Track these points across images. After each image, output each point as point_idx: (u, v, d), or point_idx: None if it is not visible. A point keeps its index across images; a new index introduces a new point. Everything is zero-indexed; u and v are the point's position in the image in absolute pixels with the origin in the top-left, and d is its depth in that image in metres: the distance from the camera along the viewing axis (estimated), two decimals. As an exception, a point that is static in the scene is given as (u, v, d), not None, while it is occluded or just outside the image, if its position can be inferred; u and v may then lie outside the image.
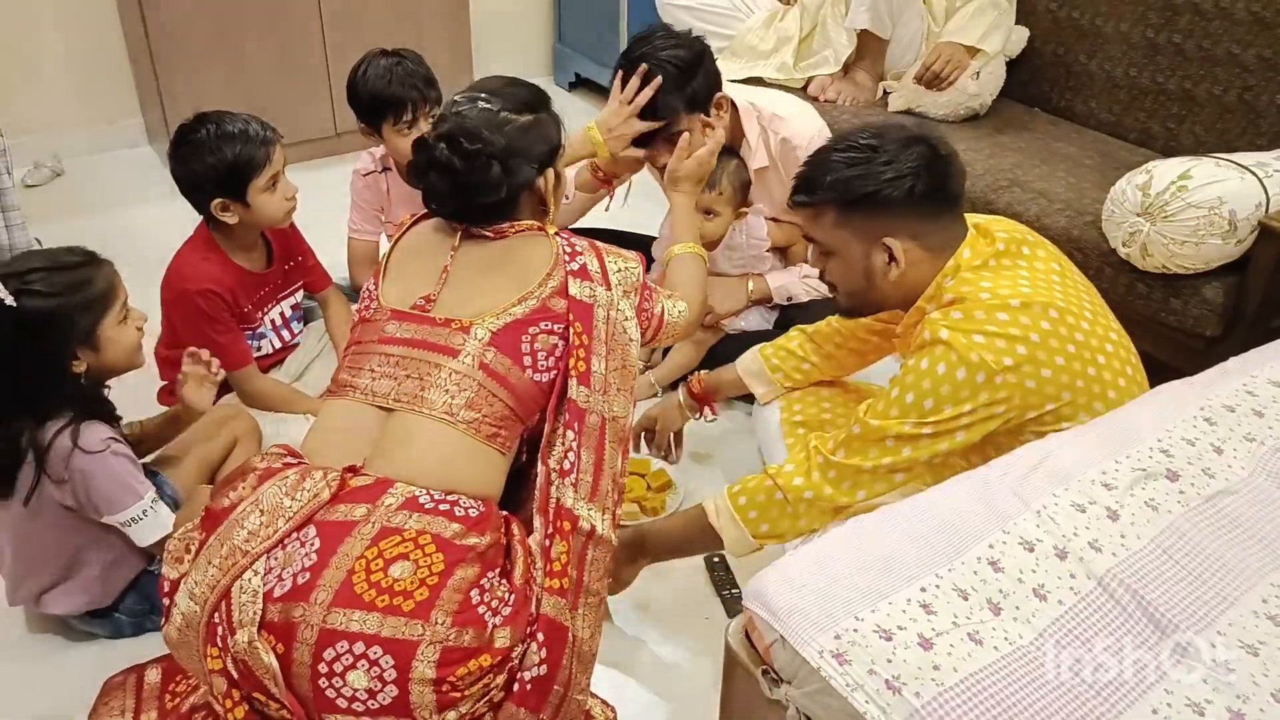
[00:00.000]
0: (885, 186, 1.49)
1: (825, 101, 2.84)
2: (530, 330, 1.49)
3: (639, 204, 2.68)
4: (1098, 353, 1.52)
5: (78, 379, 1.61)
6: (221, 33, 3.29)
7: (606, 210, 2.36)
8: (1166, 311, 2.03)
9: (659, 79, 2.01)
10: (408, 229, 1.64)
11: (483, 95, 1.54)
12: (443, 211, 1.58)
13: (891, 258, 1.54)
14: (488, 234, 1.56)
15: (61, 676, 1.72)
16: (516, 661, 1.33)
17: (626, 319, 1.57)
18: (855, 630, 1.09)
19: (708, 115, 2.10)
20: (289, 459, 1.45)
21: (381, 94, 2.26)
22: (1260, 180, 1.93)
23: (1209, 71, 2.46)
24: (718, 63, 2.85)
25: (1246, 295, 2.00)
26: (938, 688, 1.04)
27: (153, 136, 3.67)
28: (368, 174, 2.45)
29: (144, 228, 3.19)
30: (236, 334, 2.15)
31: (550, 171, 1.58)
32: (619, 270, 1.59)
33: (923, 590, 1.15)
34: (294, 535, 1.33)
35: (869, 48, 2.85)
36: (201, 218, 2.15)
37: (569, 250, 1.55)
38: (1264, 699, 1.04)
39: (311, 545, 1.32)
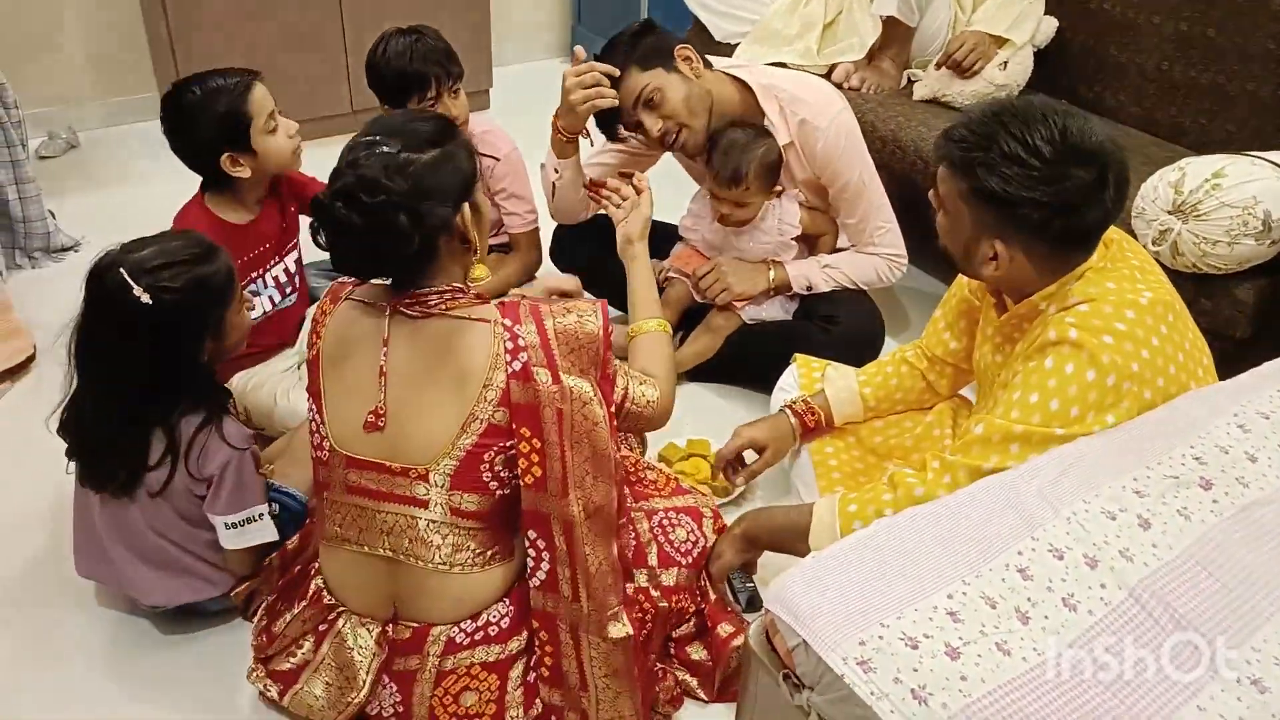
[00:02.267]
0: (1021, 203, 1.39)
1: (849, 89, 2.80)
2: (485, 457, 1.41)
3: (659, 191, 2.66)
4: (1198, 363, 1.50)
5: (207, 370, 1.63)
6: (239, 6, 3.26)
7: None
8: (1196, 312, 1.96)
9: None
10: (326, 315, 1.50)
11: (379, 137, 1.36)
12: (353, 272, 1.45)
13: (995, 256, 1.47)
14: (414, 313, 1.41)
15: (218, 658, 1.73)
16: None
17: (586, 402, 1.40)
18: (881, 637, 1.07)
19: (669, 69, 2.12)
20: (328, 611, 1.55)
21: (404, 72, 2.23)
22: (1296, 180, 1.89)
23: (1243, 66, 2.41)
24: (740, 48, 2.87)
25: (1279, 297, 1.96)
26: (965, 699, 1.01)
27: (168, 110, 3.64)
28: None
29: (158, 201, 3.11)
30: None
31: (467, 206, 1.40)
32: (573, 345, 1.42)
33: (950, 598, 1.12)
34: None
35: (895, 35, 2.81)
36: (198, 192, 2.10)
37: (510, 346, 1.39)
38: (1301, 718, 1.02)
39: (392, 690, 1.50)
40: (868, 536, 1.23)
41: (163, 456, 1.59)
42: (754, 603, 1.79)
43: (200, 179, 2.10)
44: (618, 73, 2.11)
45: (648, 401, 1.58)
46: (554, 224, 2.56)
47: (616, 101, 2.12)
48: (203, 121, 1.96)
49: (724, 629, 1.65)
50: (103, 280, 1.52)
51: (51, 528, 1.94)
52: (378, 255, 1.38)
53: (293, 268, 2.23)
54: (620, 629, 1.44)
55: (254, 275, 2.12)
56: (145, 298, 1.48)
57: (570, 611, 1.44)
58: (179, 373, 1.57)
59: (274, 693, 1.57)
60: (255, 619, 1.67)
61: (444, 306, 1.41)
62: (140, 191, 3.25)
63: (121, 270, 1.49)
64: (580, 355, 1.43)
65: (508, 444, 1.40)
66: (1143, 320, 1.43)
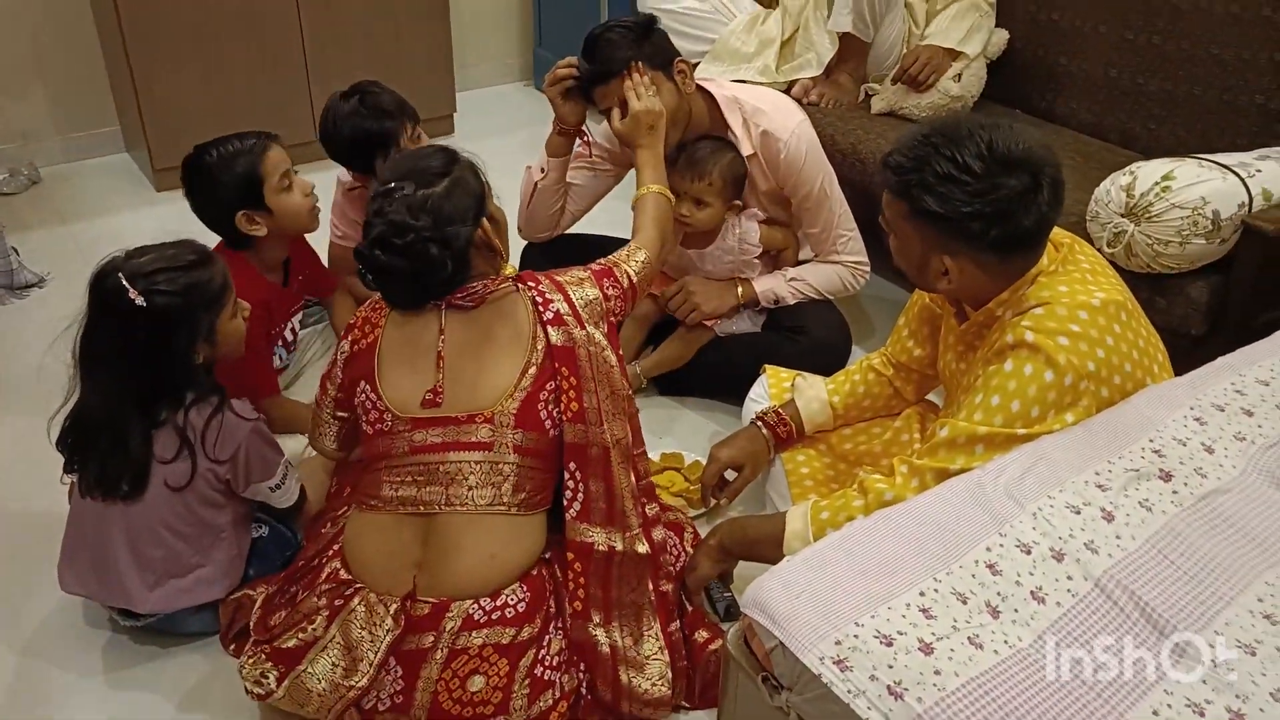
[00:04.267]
0: (960, 218, 1.45)
1: (808, 104, 2.84)
2: (541, 396, 1.56)
3: (620, 210, 2.68)
4: (1153, 359, 1.54)
5: (205, 369, 1.70)
6: (198, 37, 3.26)
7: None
8: (1152, 311, 2.03)
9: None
10: (379, 318, 1.63)
11: (395, 184, 1.52)
12: (408, 306, 1.59)
13: (946, 271, 1.52)
14: (467, 304, 1.57)
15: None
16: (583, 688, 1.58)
17: (604, 348, 1.61)
18: (856, 636, 1.09)
19: (669, 75, 2.15)
20: (345, 586, 1.56)
21: (360, 135, 2.24)
22: (1243, 180, 1.95)
23: (1189, 72, 2.47)
24: (700, 67, 2.90)
25: (1231, 294, 2.01)
26: (939, 692, 1.04)
27: (130, 143, 3.63)
28: (353, 188, 2.44)
29: (123, 235, 3.15)
30: (269, 360, 2.14)
31: (485, 221, 1.57)
32: (584, 301, 1.63)
33: (922, 594, 1.15)
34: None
35: (851, 50, 2.86)
36: (219, 245, 2.13)
37: (540, 299, 1.60)
38: (1263, 698, 1.05)
39: (396, 673, 1.50)
40: (840, 539, 1.25)
41: (179, 450, 1.63)
42: (731, 612, 1.80)
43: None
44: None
45: (642, 264, 1.79)
46: (523, 244, 2.58)
47: (575, 71, 2.16)
48: (220, 181, 2.03)
49: (701, 635, 1.69)
50: (103, 285, 1.59)
51: (20, 560, 1.93)
52: (422, 285, 1.54)
53: (297, 327, 2.34)
54: (643, 546, 1.61)
55: (277, 332, 2.20)
56: (140, 300, 1.56)
57: (607, 535, 1.58)
58: (178, 372, 1.64)
59: (272, 679, 1.53)
60: (249, 617, 1.67)
61: (489, 292, 1.58)
62: (104, 225, 3.24)
63: (119, 275, 1.57)
64: (591, 310, 1.64)
65: (554, 384, 1.57)
66: (1096, 320, 1.47)
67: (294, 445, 2.06)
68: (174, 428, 1.64)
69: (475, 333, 1.58)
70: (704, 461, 2.06)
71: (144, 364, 1.60)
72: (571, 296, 1.63)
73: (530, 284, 1.63)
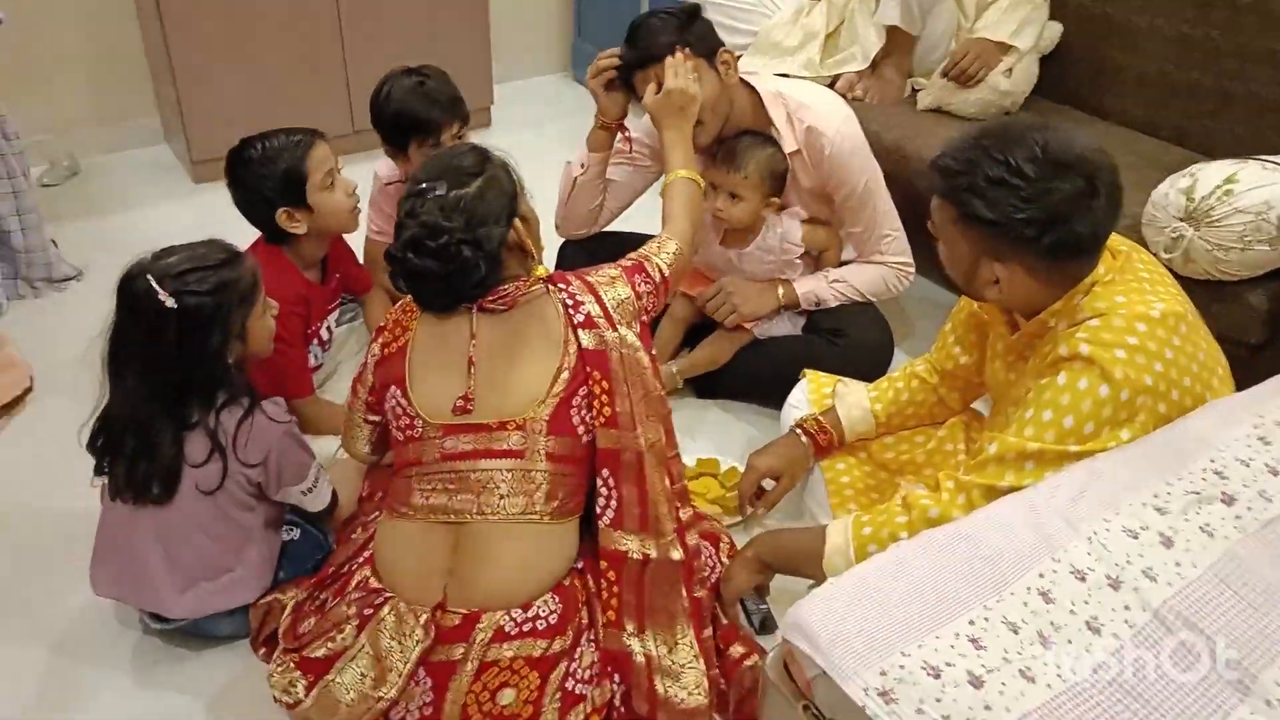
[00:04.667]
0: (1012, 223, 1.39)
1: (853, 99, 2.78)
2: (574, 402, 1.53)
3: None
4: (1213, 373, 1.48)
5: (237, 368, 1.69)
6: (238, 30, 3.25)
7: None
8: (1210, 318, 1.93)
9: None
10: (410, 320, 1.60)
11: (426, 184, 1.50)
12: (440, 309, 1.55)
13: (997, 280, 1.47)
14: (499, 306, 1.54)
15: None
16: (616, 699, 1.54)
17: (636, 349, 1.59)
18: (902, 667, 1.05)
19: (712, 64, 2.10)
20: (375, 595, 1.53)
21: (407, 115, 2.21)
22: (1308, 184, 1.87)
23: (1246, 68, 2.39)
24: (742, 60, 2.85)
25: (1293, 302, 1.94)
26: (990, 729, 0.99)
27: (169, 135, 3.63)
28: (390, 183, 2.41)
29: (162, 226, 3.16)
30: (305, 358, 2.14)
31: (517, 220, 1.55)
32: (615, 302, 1.60)
33: (971, 624, 1.11)
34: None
35: (898, 44, 2.79)
36: (260, 239, 2.13)
37: (570, 302, 1.57)
38: (1335, 743, 0.99)
39: (425, 685, 1.47)
40: (885, 562, 1.21)
41: (210, 453, 1.62)
42: (767, 625, 1.77)
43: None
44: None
45: (674, 255, 1.76)
46: (559, 241, 2.54)
47: (619, 60, 2.12)
48: (262, 175, 2.02)
49: (736, 650, 1.65)
50: (131, 287, 1.58)
51: (57, 558, 1.93)
52: (454, 288, 1.51)
53: (333, 327, 2.33)
54: (677, 552, 1.57)
55: (314, 330, 2.20)
56: (170, 301, 1.55)
57: (641, 541, 1.54)
58: (210, 373, 1.63)
59: (300, 688, 1.51)
60: (280, 622, 1.65)
61: (521, 294, 1.54)
62: (141, 217, 3.24)
63: (148, 276, 1.56)
64: (623, 310, 1.60)
65: (586, 388, 1.54)
66: (1154, 333, 1.41)
67: (326, 446, 2.04)
68: (205, 430, 1.62)
69: (507, 336, 1.55)
70: (740, 468, 2.02)
71: (175, 365, 1.59)
72: (603, 297, 1.59)
73: (561, 285, 1.59)
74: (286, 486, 1.71)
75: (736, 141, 2.20)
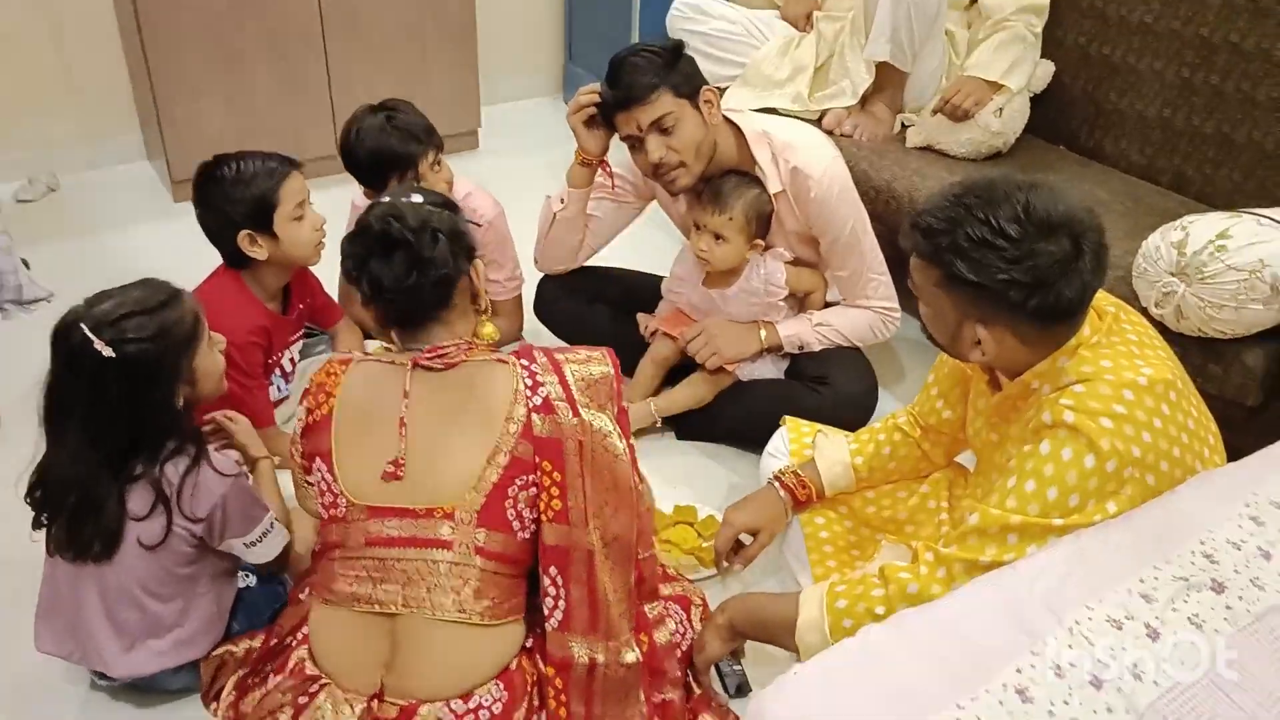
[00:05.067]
0: (995, 285, 1.33)
1: (841, 135, 2.73)
2: (510, 491, 1.42)
3: (650, 236, 2.59)
4: (1204, 442, 1.42)
5: (186, 414, 1.61)
6: (220, 48, 3.20)
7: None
8: (1204, 378, 1.91)
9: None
10: (334, 385, 1.49)
11: (392, 198, 1.47)
12: (385, 302, 1.44)
13: (980, 342, 1.41)
14: (436, 365, 1.45)
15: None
16: None
17: (606, 434, 1.46)
18: (867, 774, 0.98)
19: (695, 104, 2.05)
20: (310, 683, 1.45)
21: (383, 153, 2.15)
22: (1306, 241, 1.81)
23: (1248, 115, 2.33)
24: (729, 92, 2.80)
25: (1290, 363, 1.88)
26: None
27: (150, 153, 3.57)
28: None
29: (142, 247, 3.10)
30: (264, 387, 2.07)
31: (478, 262, 1.51)
32: (586, 383, 1.49)
33: (943, 726, 1.04)
34: None
35: (888, 80, 2.74)
36: (221, 265, 2.08)
37: (530, 383, 1.46)
38: None
39: None
40: (854, 651, 1.14)
41: (153, 506, 1.54)
42: (743, 689, 1.71)
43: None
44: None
45: (639, 480, 1.58)
46: (538, 276, 2.49)
47: (598, 97, 2.08)
48: (233, 197, 1.96)
49: None
50: (67, 338, 1.50)
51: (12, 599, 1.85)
52: (417, 273, 1.40)
53: (297, 357, 2.26)
54: (632, 654, 1.47)
55: (275, 361, 2.14)
56: (107, 351, 1.46)
57: (589, 647, 1.45)
58: (156, 421, 1.55)
59: None
60: (223, 694, 1.59)
61: (464, 356, 1.46)
62: (119, 237, 3.18)
63: (82, 325, 1.47)
64: (596, 391, 1.49)
65: (530, 478, 1.43)
66: (1142, 401, 1.35)
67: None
68: (149, 482, 1.54)
69: (442, 402, 1.45)
70: (719, 517, 1.95)
71: (118, 418, 1.51)
72: (567, 377, 1.48)
73: (524, 362, 1.49)
74: (229, 539, 1.63)
75: (722, 182, 2.15)
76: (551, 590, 1.45)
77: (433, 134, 2.21)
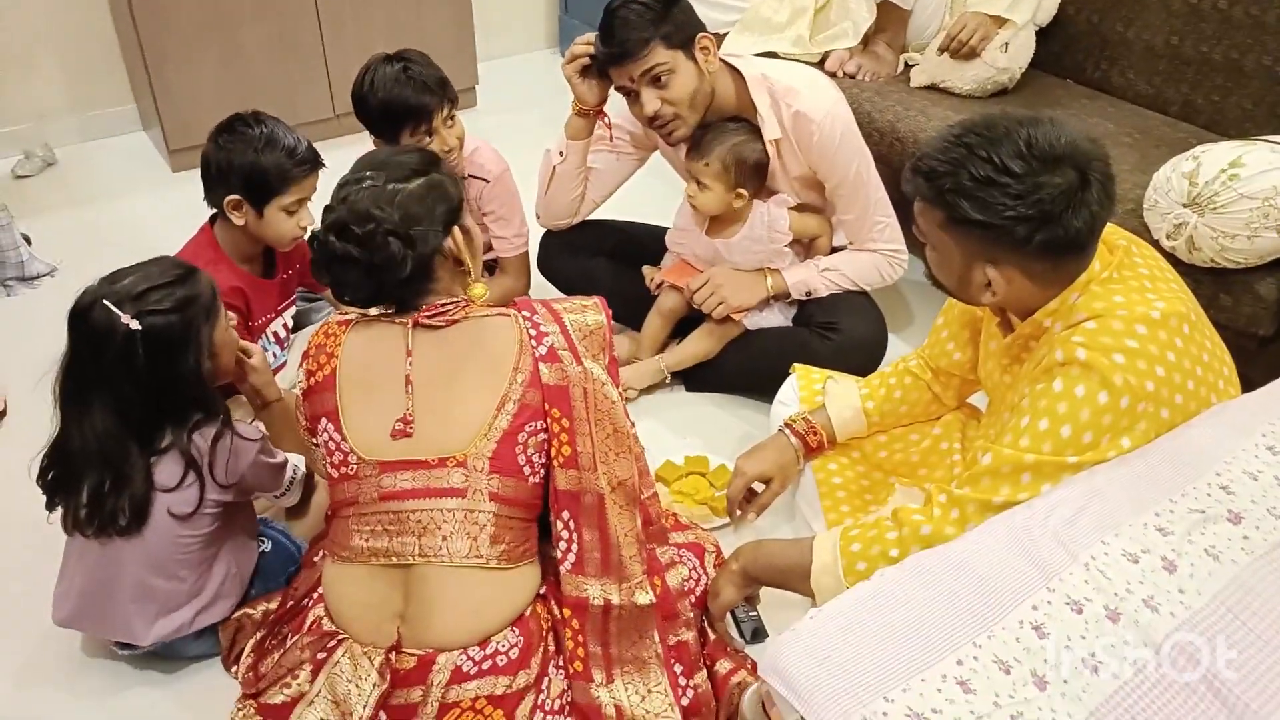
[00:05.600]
0: (1002, 222, 1.32)
1: (844, 76, 2.68)
2: (520, 438, 1.43)
3: (653, 187, 2.56)
4: (1219, 374, 1.40)
5: (211, 385, 1.62)
6: (211, 13, 3.15)
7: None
8: (1216, 309, 1.88)
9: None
10: (335, 346, 1.49)
11: (367, 173, 1.44)
12: (358, 300, 1.47)
13: (990, 283, 1.39)
14: (437, 323, 1.45)
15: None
16: None
17: (603, 384, 1.48)
18: (885, 714, 0.99)
19: (690, 54, 2.01)
20: (328, 638, 1.46)
21: (397, 104, 2.11)
22: (1319, 167, 1.78)
23: (1258, 40, 2.28)
24: (729, 37, 2.75)
25: (1303, 291, 1.85)
26: (979, 785, 0.93)
27: (146, 123, 3.54)
28: None
29: (142, 217, 3.09)
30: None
31: (457, 230, 1.48)
32: (583, 333, 1.52)
33: (959, 664, 1.04)
34: None
35: (890, 19, 2.69)
36: (206, 221, 2.06)
37: (534, 333, 1.47)
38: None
39: None
40: (870, 593, 1.14)
41: (184, 475, 1.55)
42: (759, 634, 1.71)
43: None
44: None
45: (632, 424, 1.58)
46: (541, 231, 2.47)
47: (592, 50, 2.05)
48: (247, 158, 1.94)
49: (723, 665, 1.58)
50: (87, 317, 1.50)
51: (14, 583, 1.87)
52: (376, 281, 1.43)
53: (290, 323, 2.24)
54: (645, 596, 1.48)
55: (259, 324, 2.12)
56: (135, 324, 1.48)
57: (603, 588, 1.47)
58: (185, 392, 1.56)
59: None
60: (242, 656, 1.61)
61: (463, 312, 1.47)
62: (120, 207, 3.17)
63: (105, 302, 1.48)
64: (591, 342, 1.52)
65: (539, 425, 1.44)
66: (1155, 335, 1.34)
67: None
68: (180, 452, 1.55)
69: (447, 357, 1.46)
70: (731, 467, 1.94)
71: (147, 391, 1.51)
72: (568, 326, 1.50)
73: (526, 313, 1.50)
74: (268, 493, 1.68)
75: (709, 128, 2.12)
76: (564, 534, 1.47)
77: (447, 86, 2.17)
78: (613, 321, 1.58)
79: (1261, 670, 1.04)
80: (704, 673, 1.55)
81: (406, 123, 2.13)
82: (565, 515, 1.47)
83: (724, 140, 2.10)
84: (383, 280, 1.43)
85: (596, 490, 1.46)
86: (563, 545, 1.47)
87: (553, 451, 1.45)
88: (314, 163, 2.01)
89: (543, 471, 1.47)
